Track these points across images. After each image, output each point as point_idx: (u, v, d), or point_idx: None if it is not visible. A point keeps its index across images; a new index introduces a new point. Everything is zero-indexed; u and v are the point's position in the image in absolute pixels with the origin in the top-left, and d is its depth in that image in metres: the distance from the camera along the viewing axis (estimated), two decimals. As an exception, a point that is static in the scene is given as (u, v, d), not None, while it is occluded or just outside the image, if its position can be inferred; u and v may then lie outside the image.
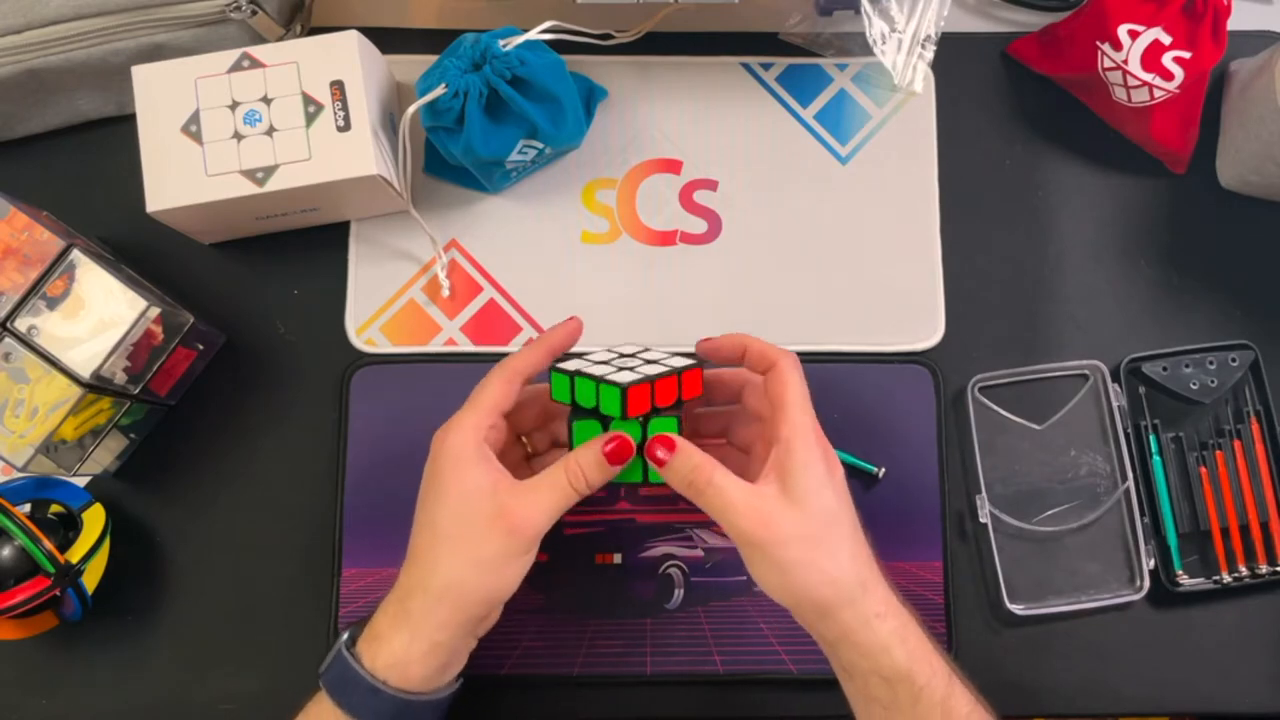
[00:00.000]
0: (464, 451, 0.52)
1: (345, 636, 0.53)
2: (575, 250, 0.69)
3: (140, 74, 0.61)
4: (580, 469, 0.52)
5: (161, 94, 0.61)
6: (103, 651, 0.64)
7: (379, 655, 0.51)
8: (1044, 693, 0.65)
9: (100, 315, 0.58)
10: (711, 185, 0.70)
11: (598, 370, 0.53)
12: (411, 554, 0.53)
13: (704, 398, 0.57)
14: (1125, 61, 0.65)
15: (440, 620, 0.51)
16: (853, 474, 0.66)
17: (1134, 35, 0.64)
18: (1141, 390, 0.68)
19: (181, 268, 0.68)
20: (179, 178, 0.60)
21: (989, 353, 0.68)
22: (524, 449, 0.60)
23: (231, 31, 0.64)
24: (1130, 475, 0.66)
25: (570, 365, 0.55)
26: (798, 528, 0.50)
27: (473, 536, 0.51)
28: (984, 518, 0.65)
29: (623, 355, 0.56)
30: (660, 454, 0.52)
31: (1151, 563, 0.65)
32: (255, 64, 0.61)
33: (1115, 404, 0.67)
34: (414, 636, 0.51)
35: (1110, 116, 0.70)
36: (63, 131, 0.68)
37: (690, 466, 0.52)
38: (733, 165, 0.70)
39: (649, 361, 0.55)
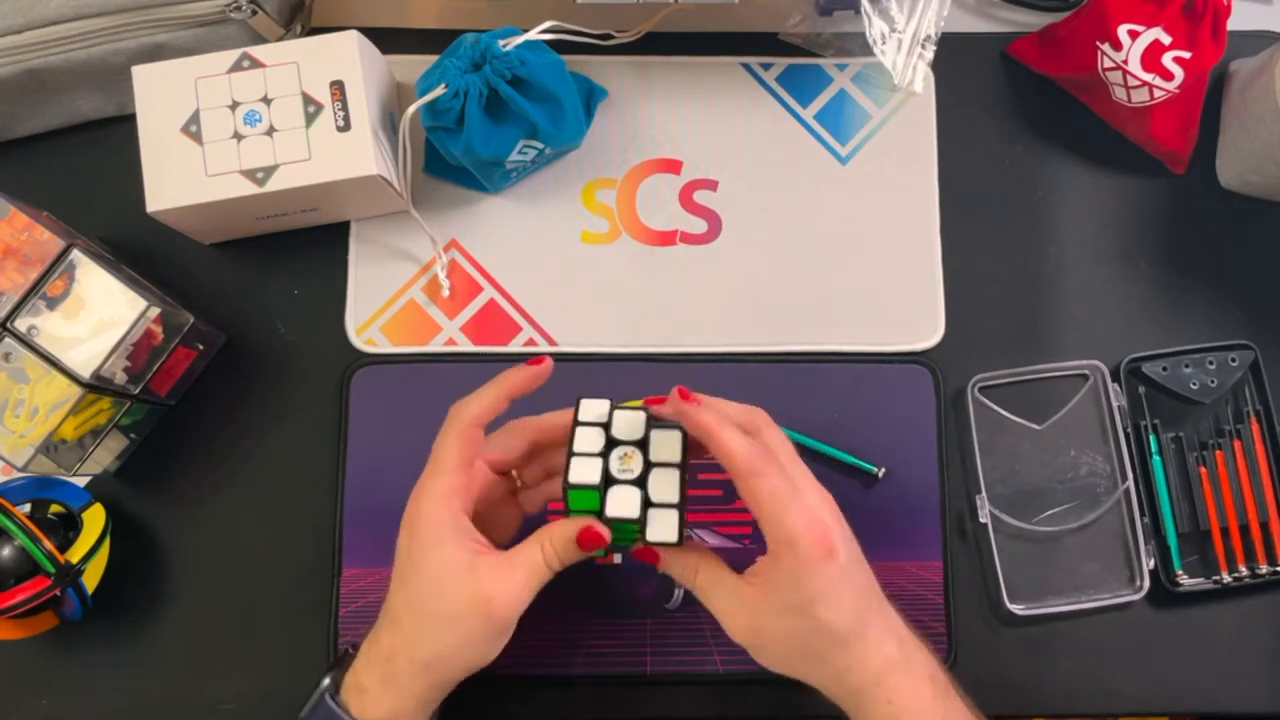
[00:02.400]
0: (438, 525, 0.51)
1: (326, 684, 0.53)
2: (575, 250, 0.69)
3: (140, 74, 0.61)
4: (555, 552, 0.52)
5: (161, 94, 0.61)
6: (103, 651, 0.64)
7: (367, 708, 0.51)
8: (1044, 693, 0.65)
9: (100, 315, 0.58)
10: (711, 185, 0.70)
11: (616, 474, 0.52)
12: (392, 615, 0.53)
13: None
14: (1125, 61, 0.65)
15: (425, 685, 0.52)
16: (853, 474, 0.66)
17: (1134, 35, 0.64)
18: (1141, 390, 0.68)
19: (181, 268, 0.68)
20: (179, 178, 0.60)
21: (989, 353, 0.68)
22: (511, 483, 0.58)
23: (231, 31, 0.64)
24: (1130, 475, 0.66)
25: (582, 476, 0.52)
26: (782, 641, 0.51)
27: (452, 617, 0.51)
28: (984, 518, 0.65)
29: (609, 441, 0.53)
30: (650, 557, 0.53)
31: (1151, 563, 0.65)
32: (255, 64, 0.61)
33: (1115, 404, 0.67)
34: (400, 698, 0.52)
35: (1110, 116, 0.70)
36: (63, 131, 0.68)
37: (678, 569, 0.53)
38: (733, 165, 0.70)
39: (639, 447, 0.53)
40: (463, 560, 0.51)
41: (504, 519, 0.57)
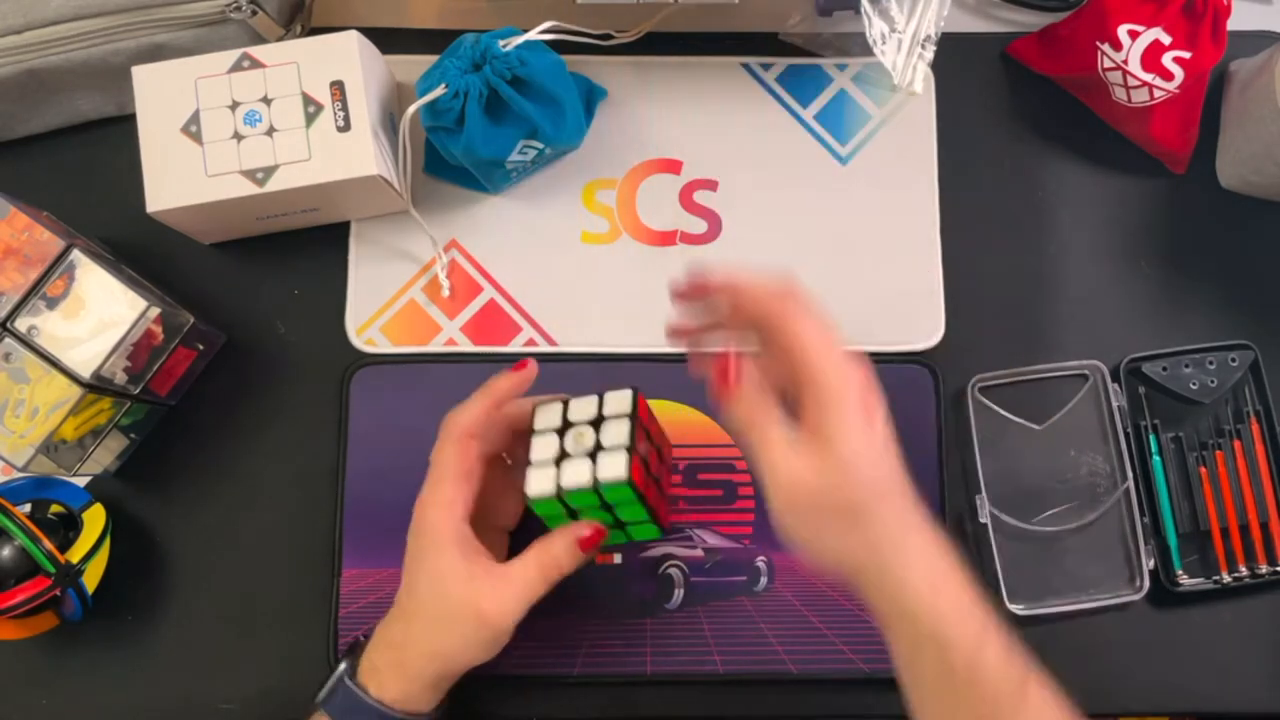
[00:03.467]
0: (440, 533, 0.54)
1: (343, 668, 0.56)
2: (575, 250, 0.69)
3: (140, 74, 0.61)
4: (555, 561, 0.55)
5: (161, 94, 0.61)
6: (103, 651, 0.64)
7: (385, 688, 0.55)
8: (1044, 693, 0.65)
9: (100, 315, 0.58)
10: (711, 185, 0.70)
11: (571, 478, 0.55)
12: (403, 609, 0.56)
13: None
14: (1125, 61, 0.65)
15: (433, 673, 0.55)
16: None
17: (1134, 35, 0.64)
18: (1141, 390, 0.68)
19: (181, 268, 0.68)
20: (179, 178, 0.60)
21: (989, 353, 0.68)
22: (507, 469, 0.61)
23: (231, 31, 0.64)
24: (1130, 475, 0.66)
25: (539, 487, 0.55)
26: (828, 497, 0.48)
27: (449, 620, 0.54)
28: (984, 518, 0.65)
29: (565, 426, 0.56)
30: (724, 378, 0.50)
31: (1151, 563, 0.65)
32: (255, 64, 0.61)
33: (1115, 404, 0.67)
34: (412, 683, 0.55)
35: (1110, 116, 0.70)
36: (63, 131, 0.68)
37: (743, 411, 0.49)
38: (733, 165, 0.70)
39: (589, 423, 0.56)
40: (462, 570, 0.54)
41: (507, 506, 0.61)
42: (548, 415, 0.57)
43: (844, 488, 0.48)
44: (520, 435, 0.59)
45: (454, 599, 0.54)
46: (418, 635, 0.55)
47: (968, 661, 0.47)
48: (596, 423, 0.56)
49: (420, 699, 0.56)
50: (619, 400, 0.56)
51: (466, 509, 0.55)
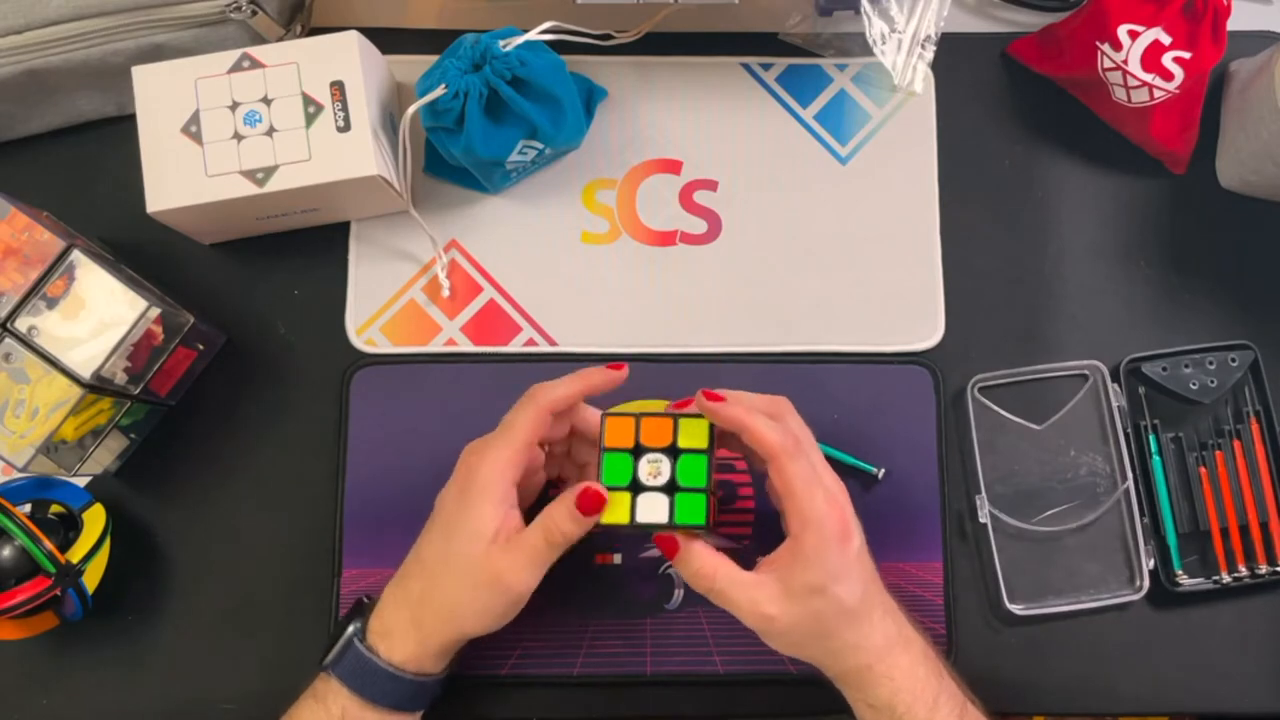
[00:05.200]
0: (492, 487, 0.55)
1: (353, 630, 0.56)
2: (575, 250, 0.69)
3: (140, 74, 0.61)
4: (558, 527, 0.54)
5: (161, 94, 0.61)
6: (103, 651, 0.64)
7: (395, 650, 0.56)
8: (1044, 692, 0.65)
9: (100, 315, 0.58)
10: (711, 185, 0.70)
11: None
12: (424, 563, 0.56)
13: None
14: (1125, 62, 0.65)
15: (448, 636, 0.56)
16: (853, 474, 0.66)
17: (1134, 35, 0.64)
18: (1141, 390, 0.68)
19: (181, 268, 0.68)
20: (179, 178, 0.60)
21: (989, 353, 0.68)
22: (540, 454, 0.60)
23: (231, 32, 0.64)
24: (1130, 475, 0.66)
25: (612, 516, 0.55)
26: (799, 623, 0.53)
27: (467, 584, 0.55)
28: (984, 518, 0.65)
29: (638, 449, 0.56)
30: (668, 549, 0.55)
31: (1151, 563, 0.65)
32: (255, 64, 0.61)
33: (1115, 404, 0.67)
34: (425, 644, 0.56)
35: (1110, 116, 0.70)
36: (63, 131, 0.68)
37: (693, 570, 0.54)
38: (733, 165, 0.70)
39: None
40: (489, 529, 0.54)
41: (530, 485, 0.60)
42: (619, 432, 0.55)
43: (813, 622, 0.53)
44: (578, 438, 0.60)
45: (474, 562, 0.54)
46: (440, 591, 0.55)
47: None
48: (672, 451, 0.55)
49: (430, 661, 0.56)
50: (696, 431, 0.55)
51: (518, 476, 0.56)
